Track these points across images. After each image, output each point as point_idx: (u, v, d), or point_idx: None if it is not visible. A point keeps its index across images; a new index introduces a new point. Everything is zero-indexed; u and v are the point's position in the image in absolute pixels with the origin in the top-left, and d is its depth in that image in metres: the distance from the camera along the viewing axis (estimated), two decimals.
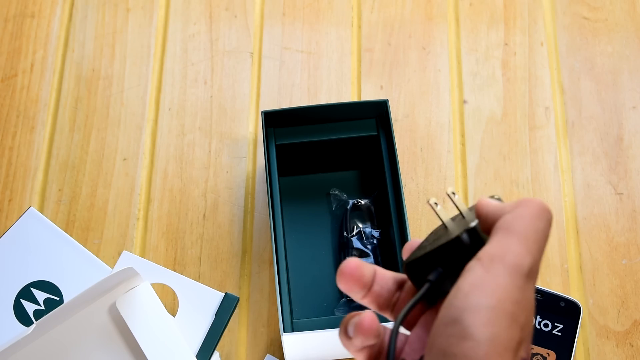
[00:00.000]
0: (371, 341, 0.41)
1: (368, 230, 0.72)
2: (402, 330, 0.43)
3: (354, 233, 0.71)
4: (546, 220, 0.39)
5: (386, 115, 0.71)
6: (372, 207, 0.73)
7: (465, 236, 0.40)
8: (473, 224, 0.40)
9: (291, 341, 0.63)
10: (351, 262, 0.43)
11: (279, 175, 0.70)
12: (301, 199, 0.74)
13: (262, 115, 0.70)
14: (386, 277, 0.45)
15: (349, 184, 0.75)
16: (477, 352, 0.35)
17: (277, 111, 0.70)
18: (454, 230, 0.41)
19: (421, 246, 0.43)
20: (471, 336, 0.35)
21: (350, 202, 0.73)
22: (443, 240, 0.41)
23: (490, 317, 0.36)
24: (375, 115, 0.72)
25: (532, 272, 0.38)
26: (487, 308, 0.36)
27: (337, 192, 0.74)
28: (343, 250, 0.71)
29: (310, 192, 0.74)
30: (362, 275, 0.43)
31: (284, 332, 0.62)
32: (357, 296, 0.44)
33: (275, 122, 0.71)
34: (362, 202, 0.73)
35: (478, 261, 0.38)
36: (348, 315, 0.42)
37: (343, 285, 0.44)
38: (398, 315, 0.42)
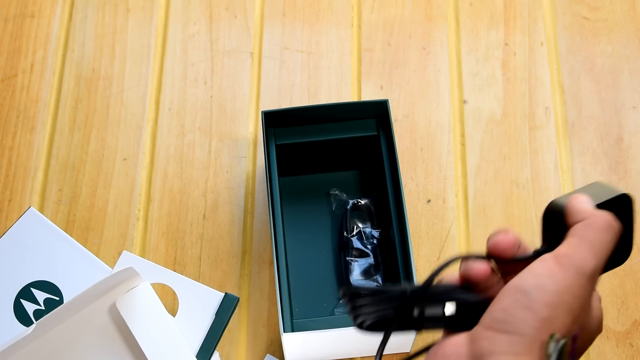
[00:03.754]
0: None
1: (368, 230, 0.72)
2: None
3: (354, 233, 0.71)
4: (613, 234, 0.46)
5: (386, 115, 0.71)
6: (372, 207, 0.73)
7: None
8: None
9: (291, 341, 0.63)
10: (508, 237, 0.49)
11: (279, 175, 0.70)
12: (301, 199, 0.74)
13: (262, 115, 0.70)
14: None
15: (349, 184, 0.75)
16: (532, 323, 0.43)
17: (277, 111, 0.70)
18: None
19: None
20: (533, 309, 0.43)
21: (350, 202, 0.73)
22: None
23: (553, 300, 0.43)
24: (375, 115, 0.72)
25: (594, 276, 0.45)
26: (553, 293, 0.43)
27: (337, 192, 0.73)
28: (343, 250, 0.71)
29: (310, 192, 0.74)
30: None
31: (284, 331, 0.62)
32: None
33: (276, 122, 0.71)
34: (362, 202, 0.73)
35: (553, 255, 0.45)
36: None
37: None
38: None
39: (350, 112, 0.71)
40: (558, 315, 0.44)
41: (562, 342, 0.44)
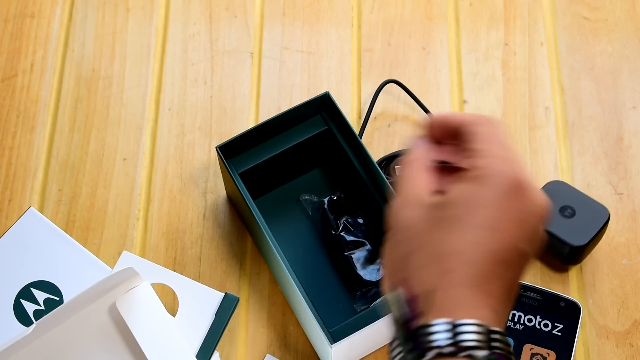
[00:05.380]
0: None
1: (351, 220, 0.72)
2: None
3: (341, 228, 0.71)
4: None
5: (332, 106, 0.70)
6: (345, 198, 0.73)
7: None
8: None
9: (340, 350, 0.63)
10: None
11: (253, 198, 0.69)
12: (280, 213, 0.73)
13: (217, 150, 0.69)
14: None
15: (317, 183, 0.74)
16: None
17: (230, 141, 0.69)
18: None
19: None
20: None
21: (325, 200, 0.72)
22: None
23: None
24: (318, 111, 0.72)
25: None
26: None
27: (307, 196, 0.73)
28: (337, 248, 0.71)
29: (285, 204, 0.74)
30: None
31: (331, 345, 0.62)
32: None
33: (231, 152, 0.70)
34: (335, 197, 0.72)
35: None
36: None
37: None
38: None
39: (295, 116, 0.71)
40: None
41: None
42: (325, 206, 0.72)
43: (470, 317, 0.41)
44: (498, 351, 0.41)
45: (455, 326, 0.41)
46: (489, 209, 0.42)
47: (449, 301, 0.41)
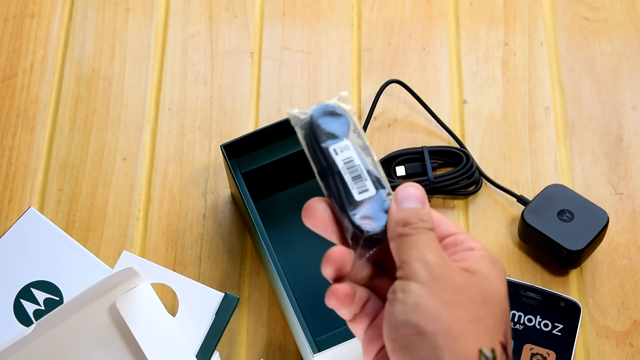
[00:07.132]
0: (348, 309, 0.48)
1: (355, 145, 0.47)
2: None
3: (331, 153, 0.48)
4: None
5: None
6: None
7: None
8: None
9: None
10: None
11: (254, 200, 0.69)
12: (281, 217, 0.73)
13: (221, 148, 0.68)
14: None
15: (319, 191, 0.73)
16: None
17: (235, 141, 0.69)
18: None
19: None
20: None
21: (311, 111, 0.47)
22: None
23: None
24: None
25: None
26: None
27: (295, 111, 0.48)
28: (330, 176, 0.47)
29: (287, 208, 0.73)
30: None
31: (313, 353, 0.62)
32: (346, 317, 0.49)
33: (236, 151, 0.70)
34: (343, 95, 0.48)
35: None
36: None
37: (333, 303, 0.49)
38: None
39: None
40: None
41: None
42: (314, 119, 0.47)
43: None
44: None
45: None
46: (500, 282, 0.47)
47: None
